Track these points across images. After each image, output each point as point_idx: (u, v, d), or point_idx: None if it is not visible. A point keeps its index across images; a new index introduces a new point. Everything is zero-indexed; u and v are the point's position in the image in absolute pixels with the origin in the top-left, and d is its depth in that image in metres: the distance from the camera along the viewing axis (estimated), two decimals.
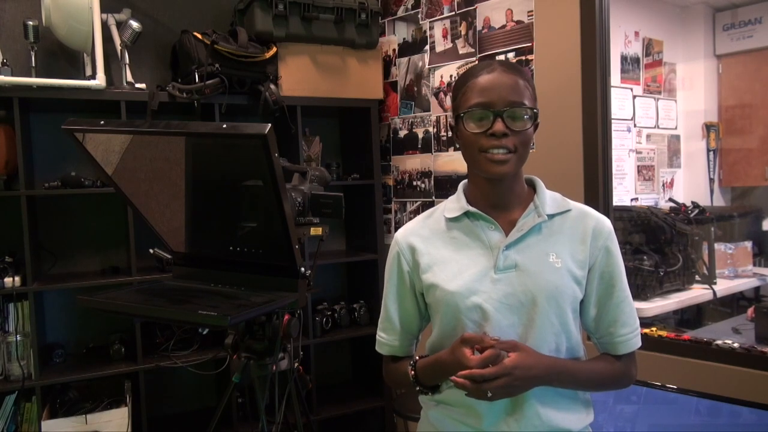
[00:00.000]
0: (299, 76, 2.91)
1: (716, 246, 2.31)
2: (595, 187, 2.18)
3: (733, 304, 2.25)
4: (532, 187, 1.27)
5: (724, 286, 2.27)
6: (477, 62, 2.64)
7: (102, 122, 1.25)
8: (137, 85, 2.67)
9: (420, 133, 3.00)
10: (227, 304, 1.28)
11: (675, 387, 1.77)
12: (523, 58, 2.44)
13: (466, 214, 1.24)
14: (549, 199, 1.24)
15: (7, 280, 2.41)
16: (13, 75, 2.42)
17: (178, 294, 1.38)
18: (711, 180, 2.44)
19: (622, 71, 2.38)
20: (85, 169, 2.64)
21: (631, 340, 1.23)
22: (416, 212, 3.04)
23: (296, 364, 1.55)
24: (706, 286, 2.29)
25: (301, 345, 1.82)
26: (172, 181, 1.36)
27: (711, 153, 2.43)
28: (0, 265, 2.44)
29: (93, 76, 2.55)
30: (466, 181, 1.30)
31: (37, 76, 2.50)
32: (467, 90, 1.18)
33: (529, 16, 2.42)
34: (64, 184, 2.57)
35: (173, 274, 1.50)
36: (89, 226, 2.85)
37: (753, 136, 2.33)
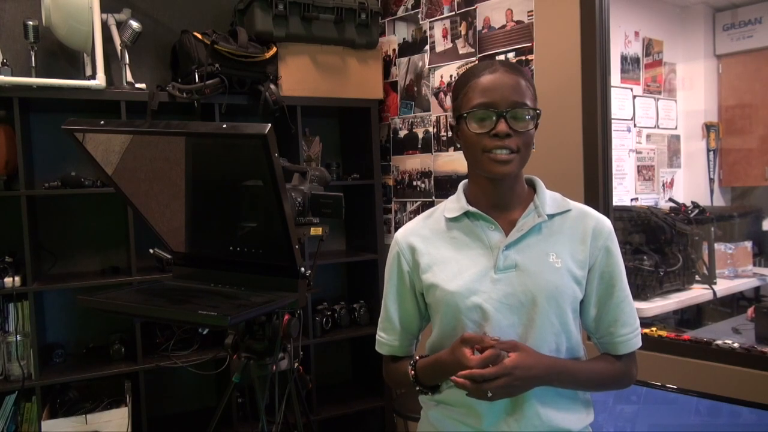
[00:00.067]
0: (299, 76, 2.91)
1: (716, 246, 2.31)
2: (595, 187, 2.18)
3: (733, 304, 2.25)
4: (532, 187, 1.27)
5: (724, 286, 2.27)
6: (477, 62, 2.64)
7: (102, 122, 1.25)
8: (137, 85, 2.67)
9: (420, 133, 3.00)
10: (227, 304, 1.28)
11: (675, 387, 1.77)
12: (523, 58, 2.44)
13: (466, 214, 1.24)
14: (549, 199, 1.25)
15: (7, 280, 2.41)
16: (13, 75, 2.42)
17: (178, 294, 1.38)
18: (711, 180, 2.44)
19: (622, 71, 2.38)
20: (85, 169, 2.64)
21: (631, 340, 1.23)
22: (416, 212, 3.04)
23: (296, 364, 1.55)
24: (706, 286, 2.29)
25: (301, 345, 1.82)
26: (172, 181, 1.36)
27: (711, 153, 2.43)
28: (0, 265, 2.44)
29: (93, 76, 2.55)
30: (466, 181, 1.30)
31: (37, 76, 2.50)
32: (469, 90, 1.18)
33: (529, 16, 2.42)
34: (64, 184, 2.57)
35: (173, 274, 1.50)
36: (89, 226, 2.85)
37: (753, 136, 2.33)
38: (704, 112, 2.46)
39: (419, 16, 2.97)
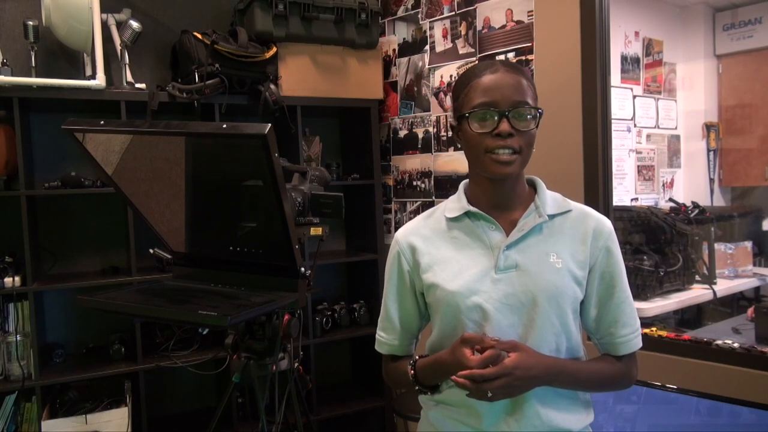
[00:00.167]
0: (299, 76, 2.91)
1: (716, 246, 2.31)
2: (595, 187, 2.18)
3: (733, 304, 2.24)
4: (533, 187, 1.27)
5: (724, 286, 2.26)
6: (477, 62, 2.64)
7: (102, 122, 1.25)
8: (137, 85, 2.67)
9: (420, 133, 3.00)
10: (227, 304, 1.28)
11: (675, 387, 1.77)
12: (523, 58, 2.44)
13: (467, 214, 1.24)
14: (550, 199, 1.25)
15: (7, 280, 2.41)
16: (13, 75, 2.42)
17: (178, 294, 1.38)
18: (711, 180, 2.44)
19: (622, 71, 2.38)
20: (85, 169, 2.64)
21: (631, 340, 1.23)
22: (416, 212, 3.04)
23: (296, 364, 1.55)
24: (706, 286, 2.28)
25: (301, 345, 1.82)
26: (172, 181, 1.36)
27: (711, 153, 2.43)
28: (0, 265, 2.44)
29: (93, 76, 2.55)
30: (467, 180, 1.30)
31: (37, 76, 2.50)
32: (470, 90, 1.18)
33: (529, 16, 2.42)
34: (64, 184, 2.57)
35: (173, 274, 1.50)
36: (89, 226, 2.85)
37: (753, 136, 2.33)
38: (704, 112, 2.46)
39: (419, 16, 2.97)
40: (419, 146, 3.01)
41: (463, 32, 2.74)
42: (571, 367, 1.18)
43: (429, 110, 2.95)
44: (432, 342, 1.27)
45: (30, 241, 2.44)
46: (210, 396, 3.10)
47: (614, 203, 2.21)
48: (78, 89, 2.50)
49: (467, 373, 1.08)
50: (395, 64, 3.13)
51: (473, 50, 2.69)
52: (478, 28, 2.65)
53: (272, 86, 2.77)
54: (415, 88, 3.02)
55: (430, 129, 2.94)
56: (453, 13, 2.78)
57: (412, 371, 1.24)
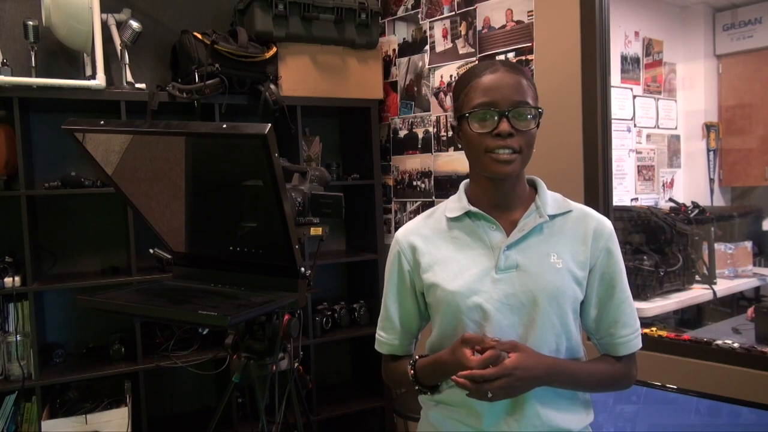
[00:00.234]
0: (299, 76, 2.91)
1: (716, 246, 2.31)
2: (595, 187, 2.18)
3: (733, 304, 2.24)
4: (534, 187, 1.27)
5: (724, 286, 2.26)
6: (477, 62, 2.64)
7: (102, 122, 1.25)
8: (137, 85, 2.67)
9: (420, 133, 3.00)
10: (227, 304, 1.28)
11: (675, 387, 1.77)
12: (523, 58, 2.44)
13: (468, 213, 1.24)
14: (550, 199, 1.25)
15: (7, 280, 2.41)
16: (13, 75, 2.42)
17: (178, 294, 1.38)
18: (711, 180, 2.44)
19: (622, 71, 2.38)
20: (85, 169, 2.64)
21: (631, 341, 1.23)
22: (416, 212, 3.04)
23: (296, 364, 1.55)
24: (706, 286, 2.28)
25: (301, 345, 1.82)
26: (172, 181, 1.36)
27: (711, 153, 2.43)
28: (0, 265, 2.44)
29: (93, 76, 2.55)
30: (467, 180, 1.30)
31: (37, 76, 2.50)
32: (470, 90, 1.18)
33: (529, 16, 2.42)
34: (64, 184, 2.57)
35: (173, 274, 1.50)
36: (89, 226, 2.85)
37: (753, 136, 2.33)
38: (704, 112, 2.46)
39: (419, 16, 2.97)
40: (419, 146, 3.01)
41: (463, 32, 2.74)
42: (571, 367, 1.18)
43: (429, 110, 2.95)
44: (432, 342, 1.27)
45: (30, 241, 2.44)
46: (210, 396, 3.10)
47: (614, 203, 2.21)
48: (78, 89, 2.50)
49: (467, 373, 1.09)
50: (395, 64, 3.13)
51: (473, 50, 2.69)
52: (478, 28, 2.65)
53: (272, 86, 2.77)
54: (415, 88, 3.02)
55: (430, 129, 2.94)
56: (453, 13, 2.78)
57: (412, 371, 1.24)
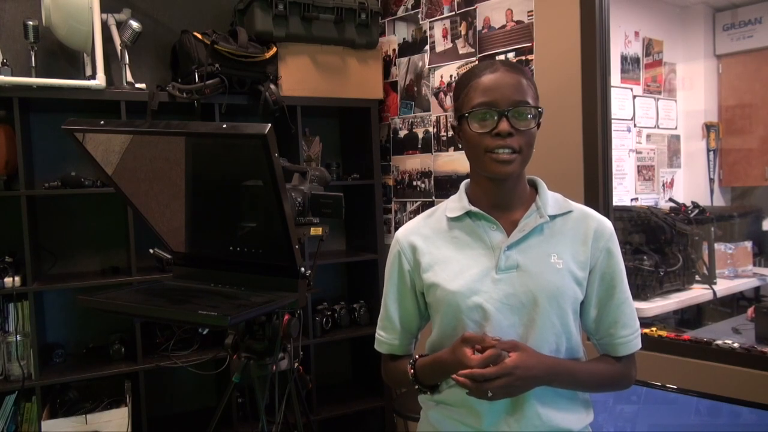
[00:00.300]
0: (299, 76, 2.91)
1: (716, 246, 2.31)
2: (595, 187, 2.18)
3: (733, 304, 2.25)
4: (534, 187, 1.27)
5: (724, 286, 2.27)
6: (477, 62, 2.64)
7: (102, 122, 1.25)
8: (137, 85, 2.67)
9: (420, 133, 3.00)
10: (227, 304, 1.28)
11: (675, 387, 1.77)
12: (523, 58, 2.44)
13: (468, 213, 1.24)
14: (551, 199, 1.24)
15: (7, 280, 2.41)
16: (13, 75, 2.42)
17: (178, 294, 1.38)
18: (711, 180, 2.44)
19: (622, 71, 2.38)
20: (85, 169, 2.64)
21: (631, 341, 1.23)
22: (416, 212, 3.04)
23: (296, 364, 1.55)
24: (706, 286, 2.29)
25: (301, 345, 1.82)
26: (172, 181, 1.36)
27: (711, 153, 2.43)
28: (0, 265, 2.44)
29: (93, 76, 2.55)
30: (468, 180, 1.30)
31: (37, 76, 2.50)
32: (470, 90, 1.18)
33: (529, 16, 2.42)
34: (64, 184, 2.57)
35: (173, 274, 1.50)
36: (89, 226, 2.85)
37: (753, 136, 2.33)
38: (704, 112, 2.46)
39: (419, 16, 2.97)
40: (419, 146, 3.01)
41: (463, 32, 2.74)
42: (571, 367, 1.18)
43: (429, 110, 2.95)
44: (432, 341, 1.27)
45: (30, 241, 2.44)
46: (210, 396, 3.10)
47: (614, 203, 2.21)
48: (78, 89, 2.50)
49: (468, 372, 1.09)
50: (395, 64, 3.13)
51: (473, 50, 2.69)
52: (478, 28, 2.65)
53: (272, 86, 2.77)
54: (415, 88, 3.02)
55: (430, 129, 2.94)
56: (453, 13, 2.78)
57: (412, 370, 1.25)
